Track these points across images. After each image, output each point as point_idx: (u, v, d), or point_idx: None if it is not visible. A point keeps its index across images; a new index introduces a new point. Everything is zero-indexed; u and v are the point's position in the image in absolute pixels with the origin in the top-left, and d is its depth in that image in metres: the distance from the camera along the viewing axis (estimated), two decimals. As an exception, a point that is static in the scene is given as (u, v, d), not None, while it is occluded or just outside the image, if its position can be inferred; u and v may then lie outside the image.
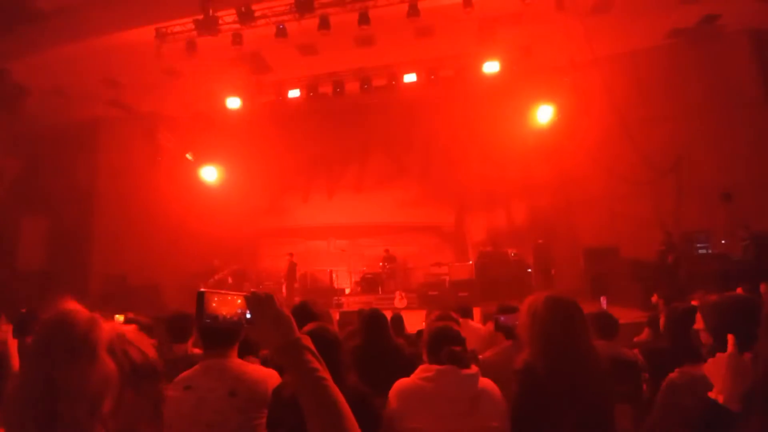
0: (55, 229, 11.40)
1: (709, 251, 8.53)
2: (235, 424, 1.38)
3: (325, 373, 0.84)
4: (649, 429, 1.50)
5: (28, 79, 9.23)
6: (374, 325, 2.72)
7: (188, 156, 10.20)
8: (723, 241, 8.49)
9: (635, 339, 4.11)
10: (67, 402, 0.63)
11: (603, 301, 6.51)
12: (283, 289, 10.18)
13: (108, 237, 11.08)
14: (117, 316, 5.12)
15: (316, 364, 0.84)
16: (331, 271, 10.88)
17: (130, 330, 0.73)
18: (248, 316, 0.86)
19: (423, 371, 1.63)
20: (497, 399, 1.60)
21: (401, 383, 1.64)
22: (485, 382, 1.63)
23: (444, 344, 1.63)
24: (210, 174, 10.48)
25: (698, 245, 8.77)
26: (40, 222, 11.41)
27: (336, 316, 6.42)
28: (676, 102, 9.33)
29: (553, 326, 1.58)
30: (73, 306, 0.72)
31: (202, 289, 0.85)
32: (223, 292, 0.86)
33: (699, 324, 1.44)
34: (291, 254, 10.43)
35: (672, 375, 1.44)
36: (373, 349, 2.59)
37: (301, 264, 10.82)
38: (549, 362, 1.53)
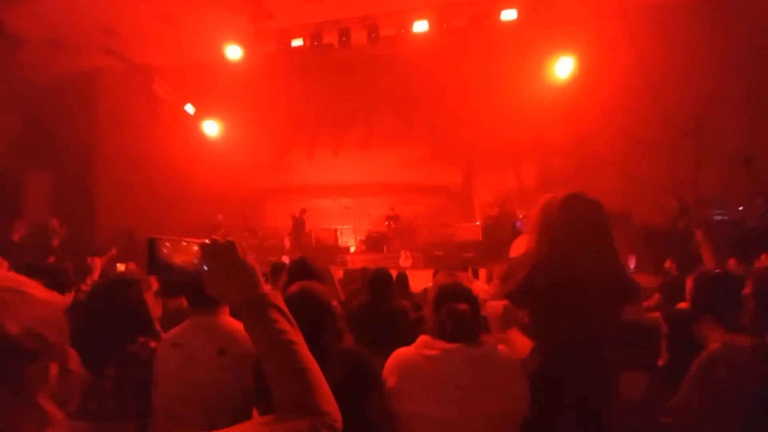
0: (58, 184, 11.37)
1: (726, 218, 8.30)
2: (224, 384, 1.29)
3: (295, 336, 0.70)
4: (683, 401, 1.39)
5: (22, 28, 8.86)
6: (379, 285, 2.63)
7: (188, 108, 9.89)
8: (740, 208, 8.24)
9: (644, 304, 4.03)
10: None
11: (631, 260, 6.19)
12: (286, 243, 10.16)
13: (112, 190, 11.06)
14: (118, 265, 5.14)
15: (285, 325, 0.70)
16: (335, 229, 10.85)
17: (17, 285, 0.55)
18: (206, 267, 0.74)
19: (426, 346, 1.40)
20: (514, 377, 1.39)
21: (401, 355, 1.44)
22: (500, 360, 1.39)
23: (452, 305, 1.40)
24: (211, 128, 10.22)
25: (715, 211, 8.52)
26: (44, 177, 11.36)
27: (340, 274, 6.41)
28: (703, 59, 8.74)
29: (566, 229, 1.36)
30: None
31: (153, 236, 0.72)
32: (178, 239, 0.74)
33: (748, 288, 1.29)
34: (304, 210, 10.27)
35: (713, 345, 1.31)
36: (377, 308, 2.50)
37: (307, 221, 10.77)
38: (556, 254, 1.34)
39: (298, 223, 10.21)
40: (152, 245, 0.73)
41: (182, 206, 10.22)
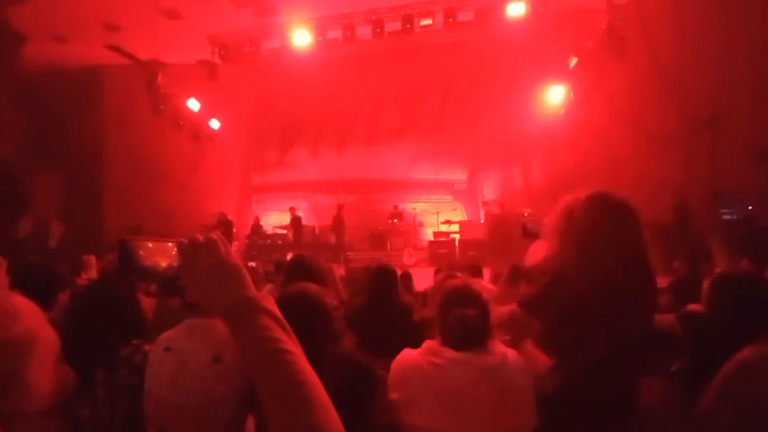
0: (67, 182, 11.40)
1: (734, 216, 8.14)
2: (219, 392, 1.22)
3: (289, 345, 0.61)
4: (711, 410, 1.31)
5: (27, 25, 8.87)
6: (382, 282, 2.53)
7: (191, 104, 9.84)
8: (750, 207, 8.06)
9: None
10: None
11: None
12: (290, 235, 10.05)
13: (120, 189, 11.08)
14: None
15: (278, 333, 0.61)
16: (339, 226, 10.78)
17: None
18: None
19: (432, 353, 1.30)
20: (526, 393, 1.30)
21: (404, 362, 1.33)
22: (514, 371, 1.29)
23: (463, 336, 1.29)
24: (216, 124, 10.18)
25: (723, 210, 8.35)
26: (54, 177, 11.40)
27: (342, 272, 6.35)
28: (718, 49, 8.51)
29: (594, 230, 1.27)
30: None
31: (123, 237, 0.66)
32: (154, 238, 0.68)
33: None
34: (292, 208, 10.22)
35: (742, 353, 1.23)
36: (378, 308, 2.42)
37: (310, 218, 10.71)
38: (584, 266, 1.26)
39: (296, 221, 10.11)
40: (124, 247, 0.66)
41: (188, 202, 10.22)
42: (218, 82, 9.67)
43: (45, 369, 0.51)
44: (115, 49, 10.21)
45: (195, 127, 10.11)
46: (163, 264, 0.68)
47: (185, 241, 0.66)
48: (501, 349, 1.34)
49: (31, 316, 0.53)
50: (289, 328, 0.64)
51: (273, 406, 0.59)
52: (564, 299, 1.29)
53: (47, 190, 11.23)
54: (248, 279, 0.66)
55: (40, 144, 10.72)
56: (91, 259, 3.24)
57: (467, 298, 1.36)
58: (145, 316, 1.51)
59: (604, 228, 1.29)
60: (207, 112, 10.13)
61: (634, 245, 1.33)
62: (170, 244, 0.68)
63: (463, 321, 1.29)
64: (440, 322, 1.37)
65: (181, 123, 9.90)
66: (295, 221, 10.11)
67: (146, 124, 10.28)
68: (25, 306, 0.54)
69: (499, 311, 1.68)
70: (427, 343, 1.38)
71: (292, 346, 0.62)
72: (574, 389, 1.30)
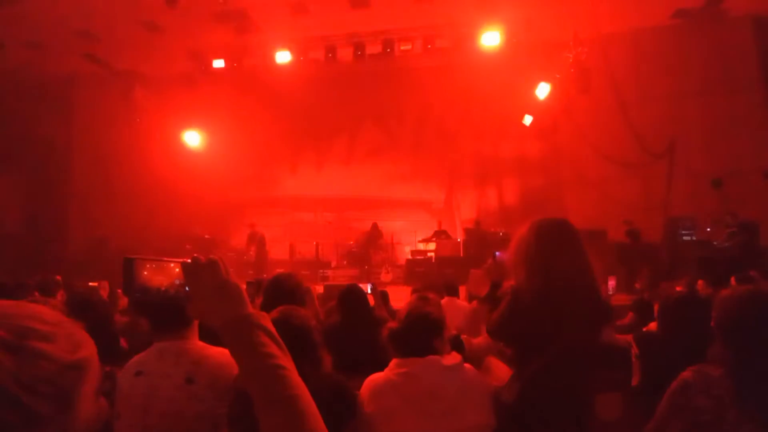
0: (31, 190, 10.96)
1: (693, 238, 8.61)
2: (193, 414, 1.23)
3: (284, 361, 0.66)
4: (658, 428, 1.41)
5: (1, 30, 8.62)
6: (351, 302, 2.58)
7: (167, 118, 9.65)
8: (708, 229, 8.55)
9: (617, 323, 4.11)
10: None
11: (611, 281, 5.96)
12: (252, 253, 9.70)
13: (87, 198, 10.72)
14: (90, 283, 4.93)
15: (273, 348, 0.66)
16: (317, 244, 10.75)
17: None
18: (188, 288, 0.70)
19: (398, 365, 1.43)
20: (484, 391, 1.44)
21: (374, 381, 1.45)
22: (471, 373, 1.46)
23: (419, 335, 1.45)
24: (193, 138, 10.05)
25: (683, 231, 8.83)
26: (17, 181, 10.94)
27: (320, 290, 6.32)
28: (675, 84, 9.20)
29: (537, 246, 1.45)
30: None
31: (130, 256, 0.69)
32: (157, 258, 0.71)
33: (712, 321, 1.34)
34: (253, 224, 9.95)
35: (685, 374, 1.34)
36: (350, 327, 2.46)
37: (288, 236, 10.61)
38: (534, 284, 1.42)
39: (253, 238, 9.70)
40: (129, 266, 0.68)
41: (160, 217, 9.97)
42: (197, 97, 9.62)
43: (89, 399, 0.55)
44: (91, 58, 10.02)
45: (170, 141, 9.94)
46: (165, 283, 0.70)
47: (189, 261, 0.69)
48: (456, 357, 1.48)
49: (89, 346, 0.56)
50: (283, 344, 0.69)
51: (267, 416, 0.64)
52: (520, 318, 1.40)
53: (7, 195, 10.74)
54: (246, 298, 0.70)
55: (5, 147, 10.31)
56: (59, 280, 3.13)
57: (429, 327, 1.49)
58: (117, 340, 1.50)
59: (545, 247, 1.44)
60: (184, 125, 10.01)
61: (576, 261, 1.47)
62: (172, 264, 0.70)
63: (414, 326, 1.44)
64: (404, 349, 1.49)
65: (155, 136, 9.74)
66: (255, 237, 9.70)
67: (119, 134, 10.07)
68: (85, 335, 0.57)
69: (476, 343, 1.82)
70: (393, 361, 1.49)
71: (286, 362, 0.67)
72: (528, 397, 1.40)
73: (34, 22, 8.30)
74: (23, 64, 9.61)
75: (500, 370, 1.71)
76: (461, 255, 9.36)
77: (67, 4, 7.85)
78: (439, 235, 9.90)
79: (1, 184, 10.76)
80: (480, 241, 9.12)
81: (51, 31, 8.68)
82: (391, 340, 1.50)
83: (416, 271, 9.42)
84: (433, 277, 8.10)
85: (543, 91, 8.88)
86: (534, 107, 9.20)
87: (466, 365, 1.48)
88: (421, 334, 1.45)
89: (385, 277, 9.44)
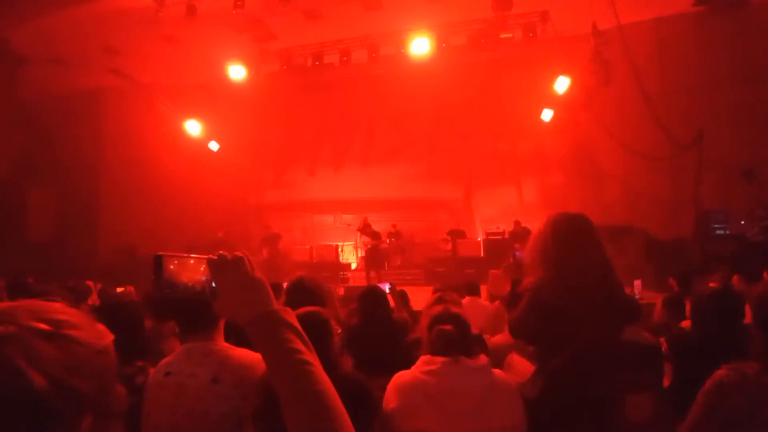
0: (63, 201, 11.44)
1: (727, 232, 8.25)
2: (218, 413, 1.25)
3: (310, 357, 0.66)
4: (692, 429, 1.36)
5: (27, 48, 9.05)
6: (371, 303, 2.59)
7: (190, 126, 9.91)
8: (742, 222, 8.19)
9: (650, 321, 3.96)
10: None
11: (637, 284, 5.75)
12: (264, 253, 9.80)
13: (116, 208, 11.10)
14: (117, 288, 5.10)
15: (298, 344, 0.66)
16: (337, 246, 10.82)
17: None
18: (214, 284, 0.71)
19: (425, 363, 1.44)
20: (512, 393, 1.43)
21: (401, 378, 1.46)
22: (498, 375, 1.45)
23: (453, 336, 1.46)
24: (214, 145, 10.31)
25: (716, 226, 8.47)
26: (49, 194, 11.44)
27: (341, 292, 6.36)
28: (699, 73, 8.84)
29: (554, 241, 1.44)
30: None
31: (159, 253, 0.70)
32: (185, 255, 0.71)
33: (749, 318, 1.28)
34: (268, 225, 10.12)
35: (719, 372, 1.29)
36: (372, 328, 2.47)
37: (308, 238, 10.71)
38: (551, 280, 1.41)
39: (267, 239, 9.81)
40: (159, 262, 0.70)
41: (185, 224, 10.23)
42: (218, 105, 9.85)
43: (116, 383, 0.58)
44: (116, 72, 10.40)
45: (193, 149, 10.21)
46: (193, 280, 0.71)
47: (215, 258, 0.70)
48: (483, 358, 1.47)
49: (108, 335, 0.59)
50: (308, 340, 0.69)
51: (294, 411, 0.64)
52: (539, 314, 1.38)
53: (42, 210, 11.25)
54: (271, 294, 0.71)
55: (37, 163, 10.80)
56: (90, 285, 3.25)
57: (447, 318, 1.50)
58: (147, 340, 1.55)
59: (562, 242, 1.42)
60: (206, 134, 10.27)
61: (593, 255, 1.44)
62: (202, 263, 0.71)
63: (442, 333, 1.44)
64: (427, 339, 1.51)
65: (179, 145, 10.02)
66: (268, 238, 9.80)
67: (145, 145, 10.39)
68: (102, 326, 0.60)
69: (495, 341, 1.81)
70: (421, 358, 1.49)
71: (312, 358, 0.67)
72: (552, 393, 1.38)
73: (58, 38, 8.66)
74: (51, 79, 10.05)
75: (522, 367, 1.69)
76: (482, 255, 9.26)
77: (91, 21, 8.15)
78: (455, 234, 9.82)
79: (34, 195, 11.27)
80: (502, 241, 8.98)
81: (76, 47, 9.05)
82: (431, 337, 1.51)
83: (437, 271, 9.37)
84: (454, 277, 8.03)
85: (562, 85, 8.68)
86: (553, 102, 9.01)
87: (494, 369, 1.48)
88: (454, 334, 1.45)
89: (404, 278, 9.40)
